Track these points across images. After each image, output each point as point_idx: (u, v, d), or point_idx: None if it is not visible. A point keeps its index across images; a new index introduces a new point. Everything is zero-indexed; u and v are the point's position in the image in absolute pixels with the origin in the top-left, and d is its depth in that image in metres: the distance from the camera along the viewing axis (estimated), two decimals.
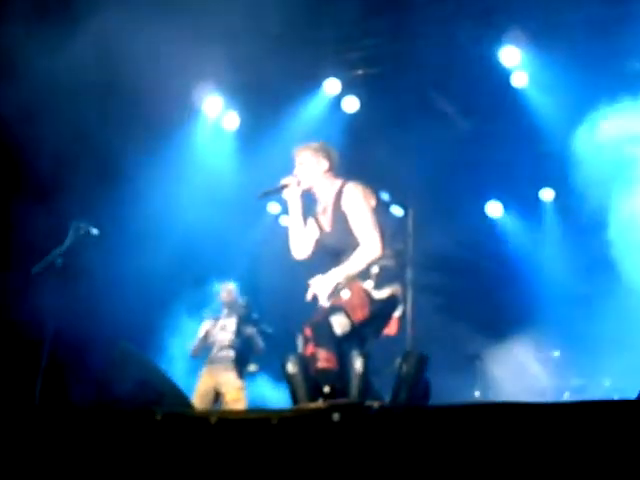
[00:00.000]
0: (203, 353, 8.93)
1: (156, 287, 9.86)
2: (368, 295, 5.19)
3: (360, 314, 5.13)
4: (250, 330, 8.81)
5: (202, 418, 4.04)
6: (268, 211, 11.79)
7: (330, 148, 5.72)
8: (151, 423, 3.93)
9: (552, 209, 10.99)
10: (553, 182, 10.78)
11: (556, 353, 9.51)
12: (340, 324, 5.04)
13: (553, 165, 10.03)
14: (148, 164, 9.92)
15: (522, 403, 3.43)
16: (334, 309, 5.09)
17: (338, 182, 5.59)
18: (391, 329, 5.34)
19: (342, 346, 5.05)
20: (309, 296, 5.29)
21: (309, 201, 5.73)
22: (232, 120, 10.84)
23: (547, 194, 10.99)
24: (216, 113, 10.71)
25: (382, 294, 5.22)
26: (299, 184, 5.61)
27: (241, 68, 10.09)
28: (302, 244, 5.71)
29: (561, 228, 10.79)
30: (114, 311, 8.90)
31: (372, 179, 11.10)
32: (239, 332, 8.78)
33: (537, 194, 11.08)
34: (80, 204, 8.87)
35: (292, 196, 5.65)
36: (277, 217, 11.83)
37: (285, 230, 11.46)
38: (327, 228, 5.58)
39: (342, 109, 10.40)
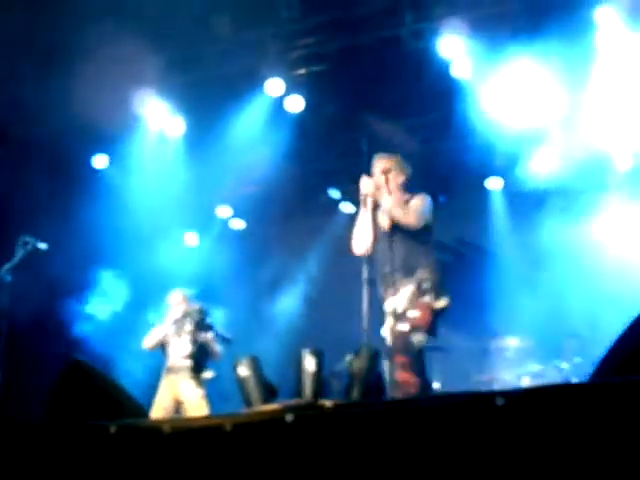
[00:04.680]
0: (158, 355, 8.76)
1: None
2: (430, 308, 5.89)
3: (427, 326, 5.88)
4: (206, 336, 8.68)
5: (155, 428, 3.98)
6: (218, 215, 11.71)
7: (407, 165, 6.41)
8: (105, 436, 3.86)
9: (500, 197, 11.03)
10: (500, 171, 10.80)
11: (513, 340, 9.53)
12: (420, 341, 5.79)
13: (500, 153, 10.10)
14: (93, 177, 9.85)
15: (481, 392, 3.42)
16: (415, 329, 5.79)
17: (408, 195, 6.26)
18: None
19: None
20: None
21: None
22: (177, 126, 10.65)
23: (494, 183, 11.02)
24: (160, 119, 10.48)
25: (441, 304, 5.92)
26: (379, 189, 6.20)
27: (182, 72, 10.03)
28: (368, 243, 6.23)
29: (510, 216, 10.83)
30: (64, 327, 8.81)
31: (320, 176, 11.18)
32: (195, 339, 8.64)
33: (483, 183, 11.08)
34: (28, 218, 8.79)
35: (368, 200, 6.21)
36: (226, 221, 11.78)
37: (236, 233, 11.63)
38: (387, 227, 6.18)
39: (286, 109, 10.26)
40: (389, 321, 5.90)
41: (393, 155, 6.44)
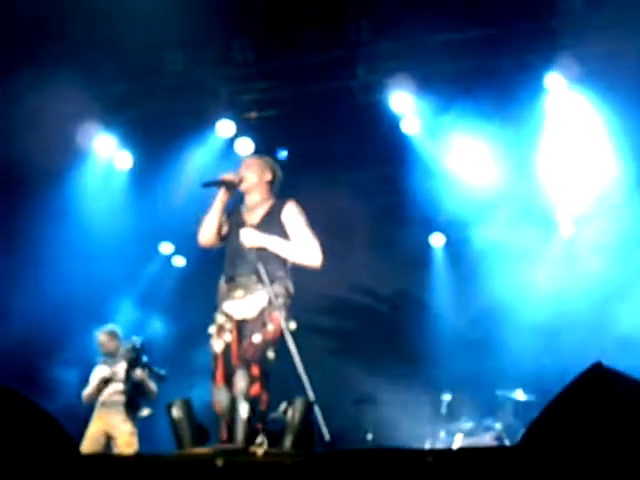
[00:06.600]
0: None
1: (46, 332, 9.66)
2: (280, 325, 5.45)
3: (275, 344, 5.50)
4: (140, 374, 8.57)
5: (86, 461, 3.95)
6: (161, 252, 11.64)
7: (277, 167, 6.17)
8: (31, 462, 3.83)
9: (442, 254, 11.12)
10: (444, 228, 10.90)
11: (447, 396, 9.54)
12: (271, 358, 5.45)
13: (445, 210, 10.18)
14: (37, 211, 9.76)
15: (409, 449, 3.45)
16: (269, 344, 5.44)
17: (275, 198, 6.04)
18: None
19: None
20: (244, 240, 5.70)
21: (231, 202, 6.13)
22: (125, 160, 10.65)
23: (437, 239, 11.11)
24: (108, 153, 10.47)
25: (291, 326, 5.53)
26: (239, 183, 5.97)
27: (132, 106, 10.04)
28: (212, 232, 5.99)
29: (451, 273, 10.92)
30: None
31: None
32: (128, 377, 8.52)
33: (427, 239, 11.11)
34: None
35: (225, 191, 5.94)
36: (169, 257, 11.71)
37: (177, 271, 11.55)
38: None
39: (235, 151, 10.28)
40: (227, 324, 5.61)
41: (264, 157, 6.30)
